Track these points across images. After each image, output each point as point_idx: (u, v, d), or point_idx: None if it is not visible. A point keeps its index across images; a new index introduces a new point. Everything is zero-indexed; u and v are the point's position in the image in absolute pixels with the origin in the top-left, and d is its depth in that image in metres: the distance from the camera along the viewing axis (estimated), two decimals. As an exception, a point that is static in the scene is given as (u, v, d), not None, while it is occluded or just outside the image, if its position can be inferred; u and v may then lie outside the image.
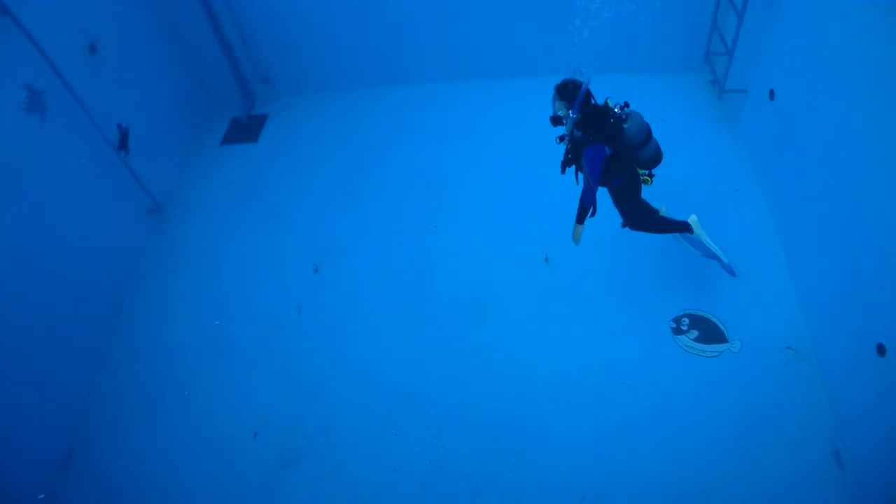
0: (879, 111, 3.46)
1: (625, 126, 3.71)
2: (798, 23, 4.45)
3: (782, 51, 4.73)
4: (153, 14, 5.97)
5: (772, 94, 4.90)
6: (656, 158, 3.97)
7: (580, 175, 4.04)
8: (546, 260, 5.06)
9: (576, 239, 4.10)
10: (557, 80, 3.82)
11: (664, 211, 4.55)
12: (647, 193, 4.22)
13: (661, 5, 5.85)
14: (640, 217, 4.28)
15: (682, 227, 4.42)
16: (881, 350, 3.40)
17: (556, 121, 3.83)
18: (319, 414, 4.50)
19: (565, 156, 4.03)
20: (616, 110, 3.72)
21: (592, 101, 3.76)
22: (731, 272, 4.60)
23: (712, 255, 4.51)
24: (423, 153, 6.13)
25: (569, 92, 3.67)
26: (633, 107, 3.82)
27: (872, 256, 3.54)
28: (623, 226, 4.34)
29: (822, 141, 4.11)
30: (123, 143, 5.26)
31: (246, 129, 6.74)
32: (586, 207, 3.93)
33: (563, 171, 4.16)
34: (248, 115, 6.83)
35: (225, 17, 6.21)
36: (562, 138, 3.98)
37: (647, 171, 4.06)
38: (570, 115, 3.69)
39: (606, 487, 3.94)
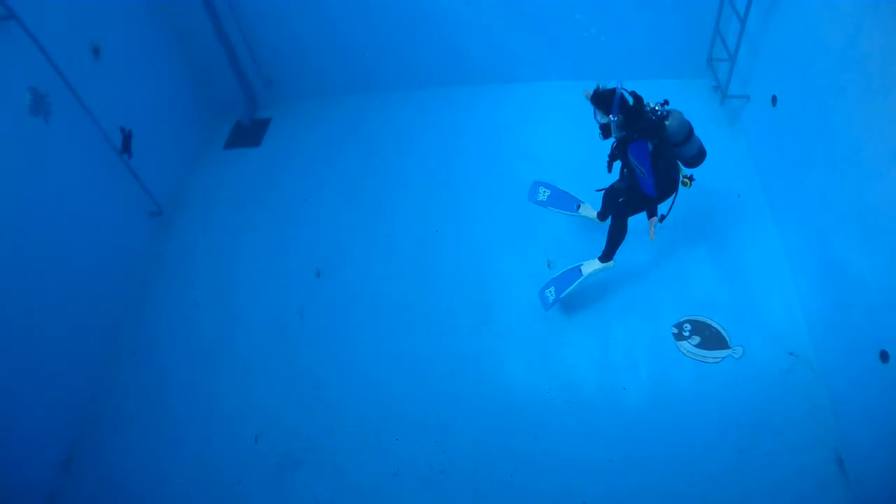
0: (880, 117, 3.47)
1: (666, 123, 3.86)
2: (800, 29, 4.46)
3: (784, 57, 4.74)
4: (157, 17, 5.98)
5: (774, 100, 4.91)
6: (699, 156, 4.09)
7: (625, 171, 4.20)
8: (549, 265, 5.06)
9: (651, 234, 4.16)
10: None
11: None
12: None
13: (662, 11, 5.87)
14: (623, 223, 4.35)
15: (611, 254, 4.46)
16: (884, 356, 3.39)
17: (605, 130, 4.04)
18: (320, 417, 4.50)
19: (611, 152, 4.15)
20: (657, 109, 3.88)
21: (630, 103, 3.88)
22: (545, 306, 4.63)
23: (562, 291, 4.52)
24: (425, 158, 6.14)
25: (605, 100, 3.82)
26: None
27: (875, 262, 3.54)
28: (602, 217, 4.56)
29: (825, 147, 4.11)
30: (126, 146, 5.27)
31: (249, 133, 6.74)
32: (650, 198, 4.06)
33: (609, 170, 4.26)
34: (251, 118, 6.84)
35: (228, 20, 6.23)
36: (606, 135, 4.12)
37: (689, 174, 4.15)
38: (612, 119, 3.84)
39: (607, 493, 3.93)
